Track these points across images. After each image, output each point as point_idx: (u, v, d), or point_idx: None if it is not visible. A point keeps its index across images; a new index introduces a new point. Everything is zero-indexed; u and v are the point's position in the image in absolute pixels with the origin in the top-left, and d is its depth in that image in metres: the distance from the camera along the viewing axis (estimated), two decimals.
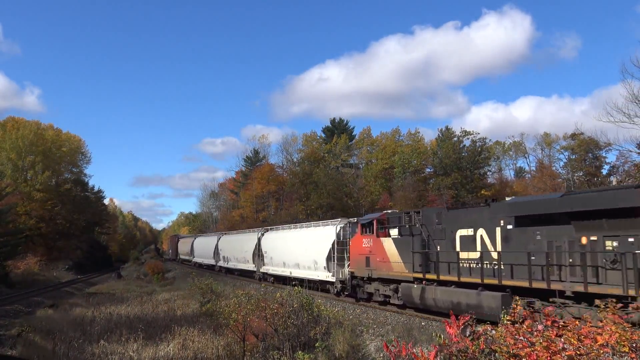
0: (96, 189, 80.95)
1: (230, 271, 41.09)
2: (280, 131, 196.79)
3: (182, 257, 67.12)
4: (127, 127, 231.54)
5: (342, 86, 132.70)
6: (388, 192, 52.70)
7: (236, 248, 39.61)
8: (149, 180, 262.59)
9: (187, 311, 20.00)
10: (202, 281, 23.88)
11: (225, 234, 48.30)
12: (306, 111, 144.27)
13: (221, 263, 43.95)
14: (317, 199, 51.69)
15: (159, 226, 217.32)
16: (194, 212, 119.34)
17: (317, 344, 11.53)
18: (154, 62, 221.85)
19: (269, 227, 37.19)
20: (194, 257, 56.04)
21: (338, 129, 68.97)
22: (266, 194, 64.71)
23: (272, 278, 31.55)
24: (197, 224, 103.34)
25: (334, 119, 72.02)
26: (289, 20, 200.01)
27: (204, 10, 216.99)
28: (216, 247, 45.42)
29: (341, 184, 53.10)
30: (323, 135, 70.85)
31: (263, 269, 33.28)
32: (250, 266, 36.11)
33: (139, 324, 16.16)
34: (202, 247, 52.47)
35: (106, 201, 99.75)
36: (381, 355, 11.49)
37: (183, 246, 66.90)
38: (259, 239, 34.71)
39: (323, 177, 52.24)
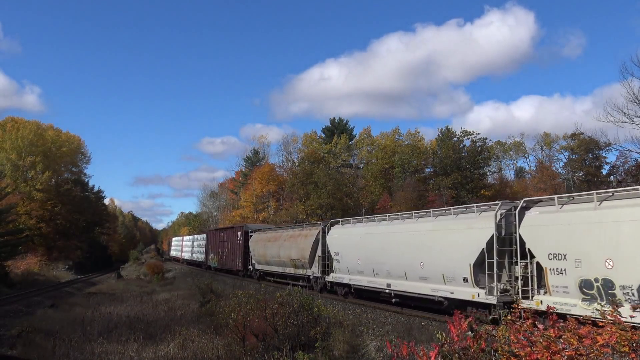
0: (96, 189, 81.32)
1: None
2: (280, 130, 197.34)
3: (263, 268, 32.62)
4: (127, 127, 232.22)
5: (342, 85, 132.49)
6: (388, 192, 52.69)
7: None
8: (148, 180, 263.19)
9: (187, 311, 20.00)
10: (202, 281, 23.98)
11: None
12: (306, 110, 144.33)
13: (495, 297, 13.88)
14: (317, 199, 51.67)
15: (159, 226, 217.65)
16: (194, 212, 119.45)
17: (317, 344, 11.51)
18: (154, 62, 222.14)
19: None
20: (338, 271, 22.60)
21: (338, 128, 68.96)
22: (266, 194, 64.67)
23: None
24: (197, 224, 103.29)
25: (334, 118, 72.09)
26: (289, 19, 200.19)
27: (204, 9, 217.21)
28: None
29: (341, 184, 53.08)
30: (323, 135, 70.87)
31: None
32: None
33: (139, 324, 16.17)
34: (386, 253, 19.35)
35: (106, 201, 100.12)
36: (381, 355, 11.47)
37: (274, 248, 30.12)
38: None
39: (323, 177, 52.21)
